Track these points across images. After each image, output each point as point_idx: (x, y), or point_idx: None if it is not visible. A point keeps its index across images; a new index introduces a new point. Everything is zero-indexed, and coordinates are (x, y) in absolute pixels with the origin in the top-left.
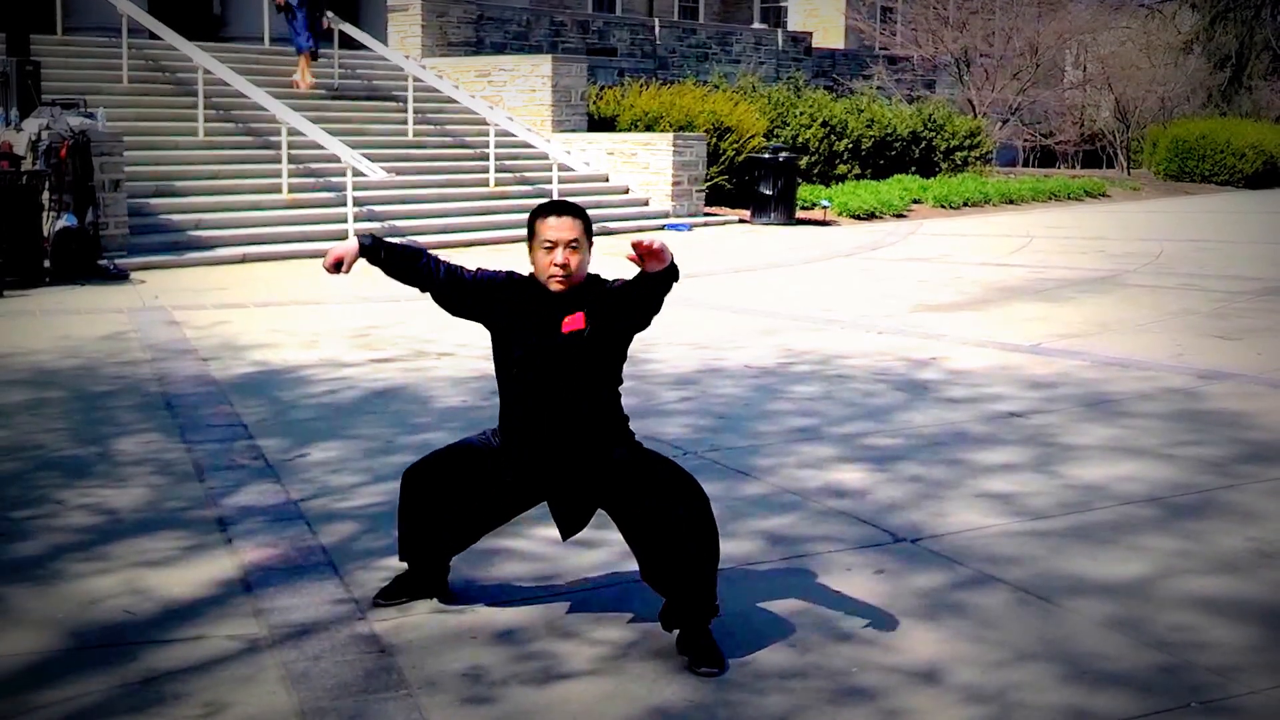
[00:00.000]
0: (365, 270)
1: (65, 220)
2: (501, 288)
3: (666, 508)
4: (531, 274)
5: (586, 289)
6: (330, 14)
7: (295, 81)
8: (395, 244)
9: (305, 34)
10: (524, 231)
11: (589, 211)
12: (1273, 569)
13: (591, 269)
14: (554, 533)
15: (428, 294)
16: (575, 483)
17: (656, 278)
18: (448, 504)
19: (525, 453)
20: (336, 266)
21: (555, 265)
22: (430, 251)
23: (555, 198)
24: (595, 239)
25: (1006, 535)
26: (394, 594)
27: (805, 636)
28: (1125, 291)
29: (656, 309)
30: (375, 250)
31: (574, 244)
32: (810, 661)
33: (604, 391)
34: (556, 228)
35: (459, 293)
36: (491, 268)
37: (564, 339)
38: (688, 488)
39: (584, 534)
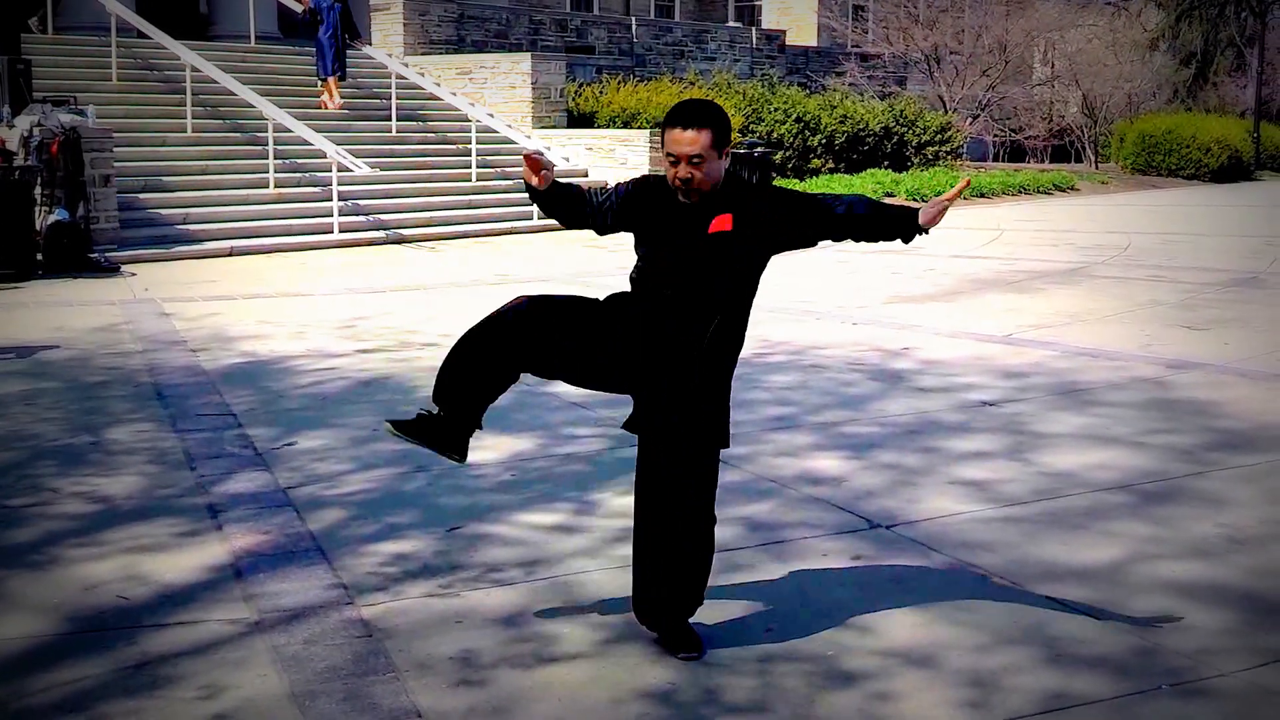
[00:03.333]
0: (350, 264)
1: (57, 214)
2: (637, 197)
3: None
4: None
5: (727, 193)
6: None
7: (322, 103)
8: (564, 184)
9: (330, 61)
10: (507, 225)
11: None
12: (1242, 554)
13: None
14: (539, 518)
15: (589, 227)
16: (664, 384)
17: (906, 227)
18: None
19: (642, 327)
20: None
21: (679, 180)
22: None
23: (689, 99)
24: (577, 231)
25: (980, 521)
26: (408, 429)
27: (784, 621)
28: (1095, 283)
29: (863, 238)
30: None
31: (696, 159)
32: (790, 645)
33: (727, 322)
34: (678, 141)
35: (607, 216)
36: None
37: (708, 239)
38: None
39: (567, 519)
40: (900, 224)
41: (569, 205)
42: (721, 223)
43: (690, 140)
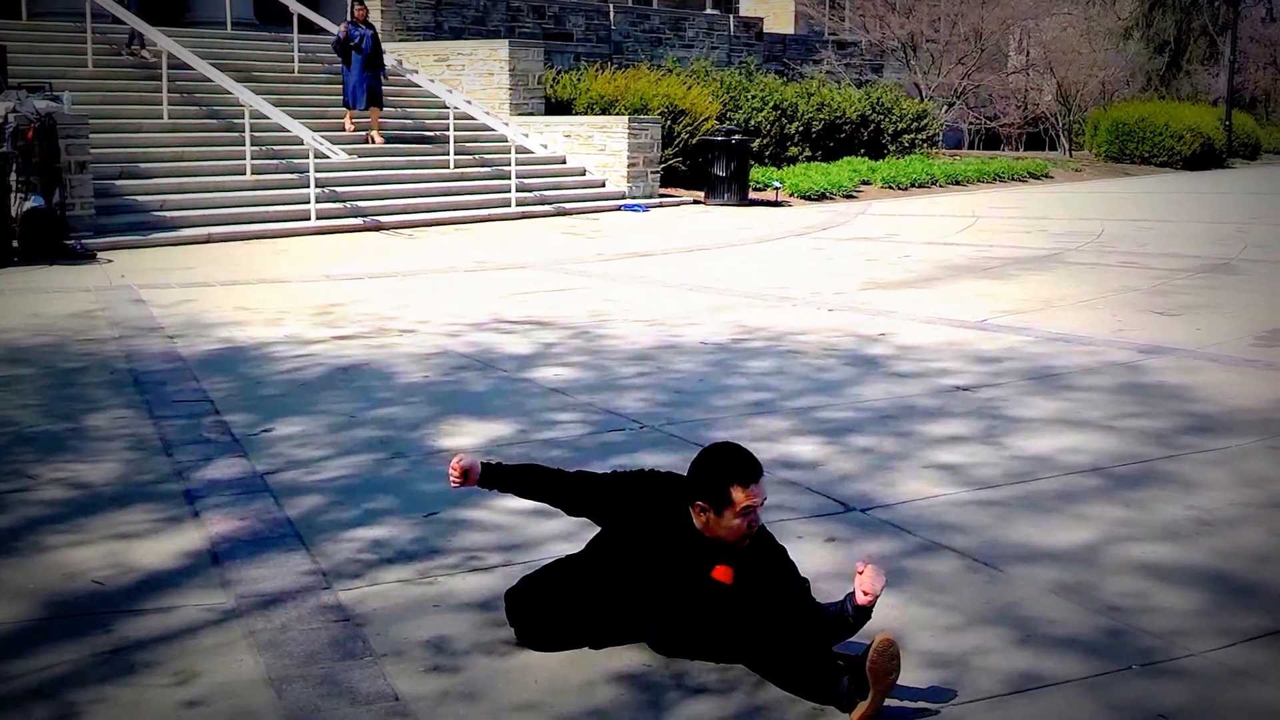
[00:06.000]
0: (327, 251)
1: (33, 201)
2: (653, 502)
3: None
4: (671, 482)
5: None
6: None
7: (368, 132)
8: (510, 467)
9: (362, 93)
10: (484, 212)
11: (547, 193)
12: (1212, 537)
13: (592, 302)
14: (516, 503)
15: (560, 509)
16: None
17: (854, 621)
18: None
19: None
20: (463, 476)
21: (749, 528)
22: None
23: (721, 447)
24: (554, 218)
25: (954, 504)
26: None
27: None
28: (1068, 269)
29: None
30: (491, 477)
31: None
32: None
33: (754, 643)
34: (757, 494)
35: (592, 499)
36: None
37: (710, 582)
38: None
39: (543, 505)
40: (835, 620)
41: (527, 479)
42: (723, 573)
43: (764, 490)
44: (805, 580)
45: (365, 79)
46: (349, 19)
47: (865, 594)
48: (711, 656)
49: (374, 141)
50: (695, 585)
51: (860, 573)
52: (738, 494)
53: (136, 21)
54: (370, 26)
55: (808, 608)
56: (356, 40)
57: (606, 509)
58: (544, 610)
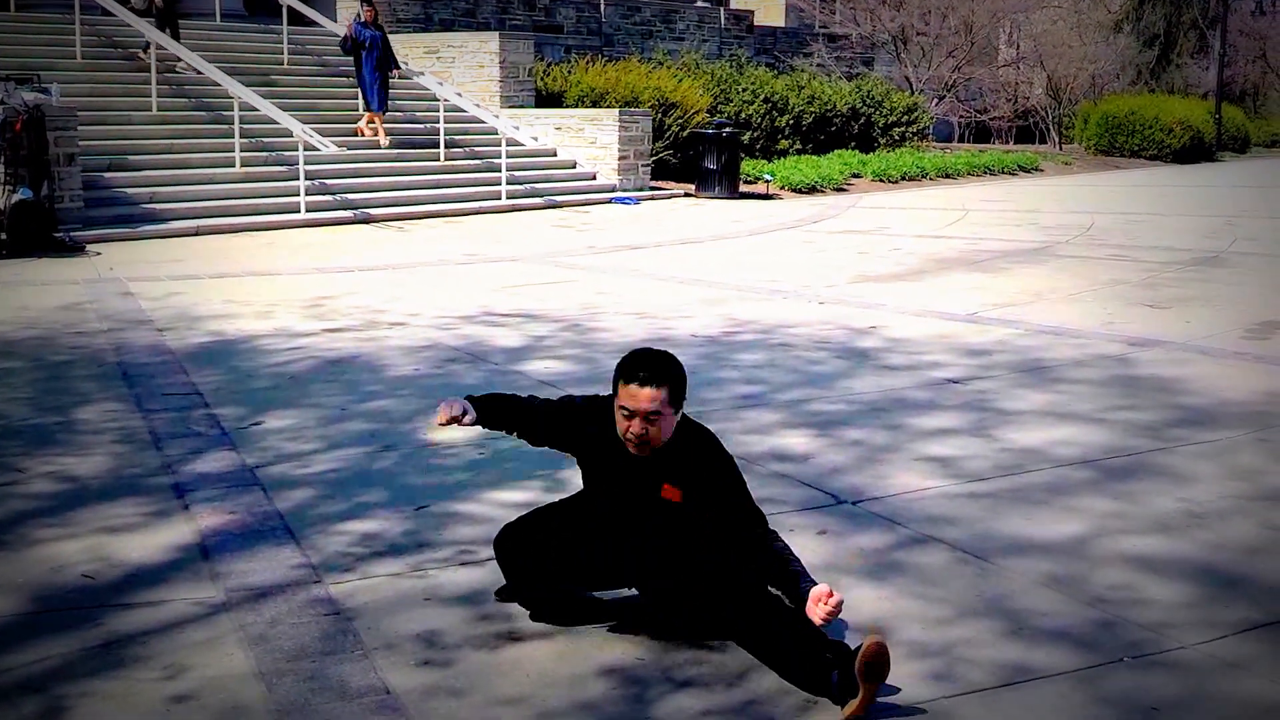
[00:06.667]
0: (317, 244)
1: (21, 193)
2: (588, 423)
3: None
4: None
5: (676, 449)
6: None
7: (359, 129)
8: (487, 399)
9: (374, 94)
10: (475, 205)
11: (537, 186)
12: (1203, 529)
13: (583, 295)
14: (508, 496)
15: (523, 439)
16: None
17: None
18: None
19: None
20: (452, 421)
21: (631, 434)
22: (518, 395)
23: (645, 349)
24: (545, 211)
25: (945, 497)
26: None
27: None
28: (1058, 262)
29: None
30: (480, 413)
31: (654, 416)
32: None
33: (709, 558)
34: (636, 397)
35: (544, 426)
36: (579, 393)
37: (662, 503)
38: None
39: (537, 496)
40: (785, 588)
41: (509, 417)
42: (671, 492)
43: (649, 397)
44: (762, 515)
45: (377, 79)
46: (358, 19)
47: (818, 617)
48: (700, 629)
49: (363, 135)
50: (651, 507)
51: (825, 601)
52: (620, 390)
53: (125, 12)
54: (380, 28)
55: (765, 556)
56: (364, 41)
57: (566, 433)
58: (534, 546)
